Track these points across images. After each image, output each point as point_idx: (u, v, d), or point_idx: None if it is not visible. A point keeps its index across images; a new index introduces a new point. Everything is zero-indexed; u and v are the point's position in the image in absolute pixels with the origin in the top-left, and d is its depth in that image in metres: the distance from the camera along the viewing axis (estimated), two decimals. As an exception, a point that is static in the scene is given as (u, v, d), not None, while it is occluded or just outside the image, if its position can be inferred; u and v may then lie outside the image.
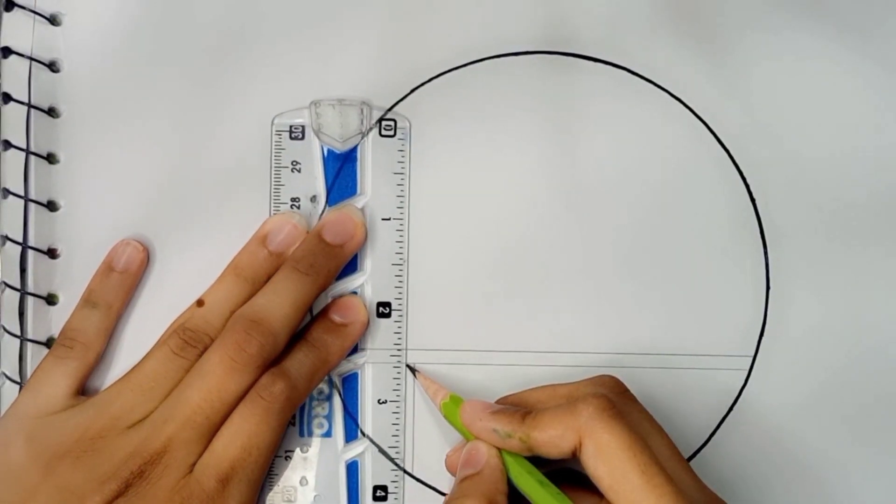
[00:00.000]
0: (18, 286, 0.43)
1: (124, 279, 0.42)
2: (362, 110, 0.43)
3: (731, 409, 0.43)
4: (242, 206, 0.43)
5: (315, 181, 0.43)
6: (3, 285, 0.43)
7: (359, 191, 0.43)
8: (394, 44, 0.44)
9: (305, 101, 0.43)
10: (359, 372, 0.43)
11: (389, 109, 0.43)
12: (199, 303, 0.41)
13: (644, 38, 0.44)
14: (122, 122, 0.43)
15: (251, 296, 0.41)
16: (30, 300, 0.43)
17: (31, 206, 0.43)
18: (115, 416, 0.39)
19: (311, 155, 0.43)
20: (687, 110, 0.44)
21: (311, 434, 0.43)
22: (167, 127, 0.43)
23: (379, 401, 0.43)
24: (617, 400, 0.37)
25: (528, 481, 0.38)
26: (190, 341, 0.40)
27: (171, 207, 0.43)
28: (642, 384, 0.43)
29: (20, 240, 0.43)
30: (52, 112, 0.43)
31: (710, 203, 0.44)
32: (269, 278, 0.42)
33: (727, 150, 0.44)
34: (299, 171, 0.43)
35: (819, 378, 0.43)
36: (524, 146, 0.44)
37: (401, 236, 0.43)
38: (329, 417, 0.43)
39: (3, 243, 0.43)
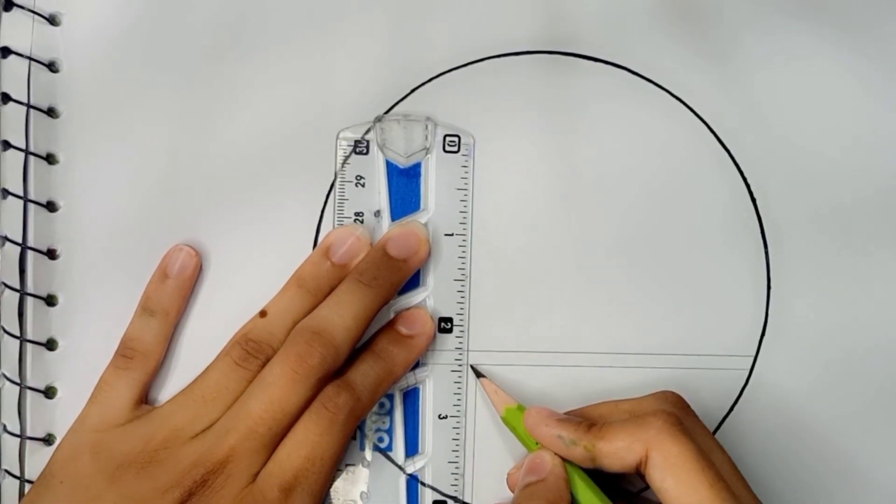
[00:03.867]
0: (18, 287, 0.43)
1: (179, 285, 0.42)
2: (426, 126, 0.43)
3: (732, 408, 0.43)
4: (244, 206, 0.43)
5: (379, 196, 0.43)
6: (3, 286, 0.43)
7: (422, 206, 0.43)
8: (394, 44, 0.44)
9: (305, 102, 0.43)
10: (420, 387, 0.43)
11: (389, 109, 0.43)
12: (262, 313, 0.41)
13: (644, 38, 0.44)
14: (121, 122, 0.43)
15: (314, 307, 0.41)
16: (29, 301, 0.43)
17: (31, 206, 0.43)
18: (177, 427, 0.40)
19: (376, 170, 0.43)
20: (687, 110, 0.44)
21: (371, 448, 0.43)
22: (167, 127, 0.43)
23: (439, 416, 0.43)
24: (681, 414, 0.38)
25: (589, 495, 0.38)
26: (252, 352, 0.40)
27: (171, 208, 0.43)
28: (643, 384, 0.43)
29: (19, 240, 0.43)
30: (51, 112, 0.43)
31: (710, 202, 0.44)
32: (331, 290, 0.42)
33: (728, 150, 0.44)
34: (363, 185, 0.43)
35: (820, 377, 0.43)
36: (522, 147, 0.44)
37: (463, 252, 0.43)
38: (390, 432, 0.43)
39: (3, 244, 0.43)
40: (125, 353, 0.42)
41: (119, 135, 0.43)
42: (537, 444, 0.40)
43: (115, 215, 0.43)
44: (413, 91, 0.44)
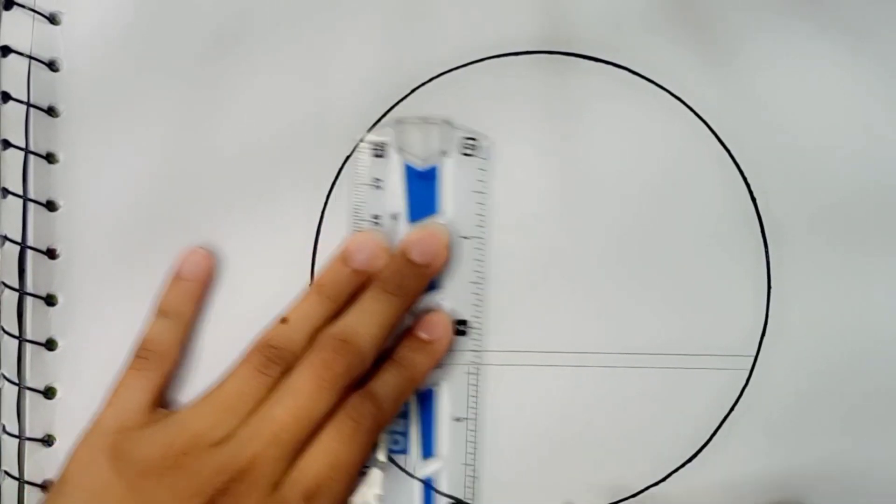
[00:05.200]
0: (17, 287, 0.43)
1: (193, 287, 0.42)
2: (444, 129, 0.43)
3: (732, 409, 0.43)
4: (244, 206, 0.43)
5: (396, 199, 0.43)
6: (3, 286, 0.43)
7: (439, 209, 0.43)
8: (394, 44, 0.44)
9: (304, 103, 0.43)
10: (435, 389, 0.43)
11: (389, 110, 0.43)
12: (283, 320, 0.41)
13: (645, 38, 0.44)
14: (122, 122, 0.43)
15: (334, 313, 0.41)
16: (29, 301, 0.43)
17: (31, 205, 0.43)
18: (198, 434, 0.39)
19: (393, 172, 0.43)
20: (688, 110, 0.44)
21: (386, 451, 0.43)
22: (167, 126, 0.43)
23: (454, 418, 0.43)
24: None
25: None
26: (273, 359, 0.40)
27: (171, 208, 0.43)
28: (643, 384, 0.43)
29: (19, 240, 0.43)
30: (51, 111, 0.43)
31: (710, 202, 0.44)
32: (351, 296, 0.42)
33: (728, 150, 0.44)
34: (381, 188, 0.43)
35: (821, 378, 0.43)
36: (521, 146, 0.44)
37: (480, 255, 0.43)
38: (405, 434, 0.43)
39: (2, 243, 0.43)
40: (141, 354, 0.42)
41: (119, 134, 0.43)
42: None
43: (115, 215, 0.43)
44: (413, 91, 0.44)
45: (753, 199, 0.44)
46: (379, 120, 0.43)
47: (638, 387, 0.43)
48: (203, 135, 0.43)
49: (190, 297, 0.42)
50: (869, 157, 0.44)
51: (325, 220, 0.43)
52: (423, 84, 0.44)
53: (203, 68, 0.43)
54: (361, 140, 0.43)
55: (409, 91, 0.44)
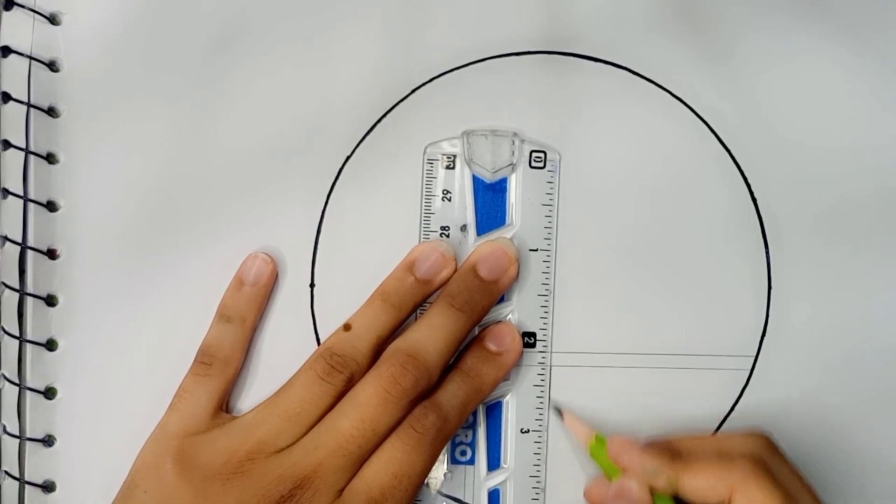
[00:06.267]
0: (18, 287, 0.43)
1: (255, 292, 0.42)
2: (513, 141, 0.43)
3: (732, 409, 0.43)
4: (241, 207, 0.43)
5: (465, 210, 0.43)
6: (3, 286, 0.43)
7: (507, 221, 0.43)
8: (394, 44, 0.44)
9: (304, 103, 0.43)
10: (502, 401, 0.43)
11: (390, 110, 0.43)
12: (346, 327, 0.41)
13: (645, 38, 0.44)
14: (122, 122, 0.43)
15: (397, 322, 0.41)
16: (29, 301, 0.43)
17: (31, 206, 0.43)
18: (261, 441, 0.40)
19: (462, 184, 0.43)
20: (688, 110, 0.44)
21: (453, 461, 0.43)
22: (167, 126, 0.43)
23: (521, 430, 0.43)
24: (769, 458, 0.39)
25: None
26: (337, 366, 0.40)
27: (171, 208, 0.43)
28: (643, 384, 0.43)
29: (19, 240, 0.43)
30: (51, 112, 0.43)
31: (711, 203, 0.44)
32: (415, 305, 0.42)
33: (728, 150, 0.44)
34: (450, 200, 0.43)
35: (821, 378, 0.43)
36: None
37: (547, 267, 0.43)
38: (472, 445, 0.43)
39: (3, 244, 0.43)
40: (204, 360, 0.42)
41: (119, 134, 0.43)
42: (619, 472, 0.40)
43: (115, 215, 0.43)
44: (413, 91, 0.44)
45: (753, 199, 0.44)
46: (379, 120, 0.43)
47: (638, 387, 0.43)
48: (203, 135, 0.43)
49: (253, 302, 0.42)
50: (869, 158, 0.44)
51: (325, 220, 0.43)
52: (423, 84, 0.44)
53: (203, 68, 0.43)
54: (425, 150, 0.43)
55: (409, 91, 0.44)
